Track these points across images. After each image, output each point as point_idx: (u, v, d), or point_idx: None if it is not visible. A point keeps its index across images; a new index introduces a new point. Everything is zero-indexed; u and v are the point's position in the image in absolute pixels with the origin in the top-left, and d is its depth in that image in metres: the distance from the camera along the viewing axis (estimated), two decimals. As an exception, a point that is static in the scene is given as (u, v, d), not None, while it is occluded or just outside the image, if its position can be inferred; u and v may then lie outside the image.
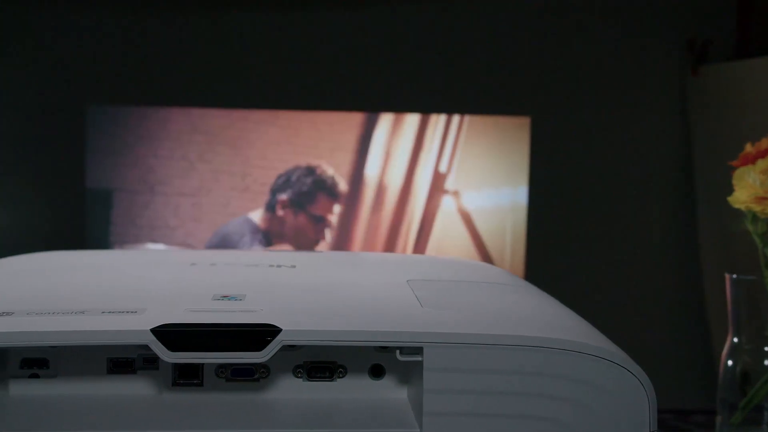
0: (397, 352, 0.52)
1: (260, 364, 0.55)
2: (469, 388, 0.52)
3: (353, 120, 2.47)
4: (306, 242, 2.47)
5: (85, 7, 2.47)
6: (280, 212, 2.45)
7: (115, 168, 2.43)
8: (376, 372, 0.57)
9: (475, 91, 2.51)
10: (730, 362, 0.92)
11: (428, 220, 2.47)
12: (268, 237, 2.46)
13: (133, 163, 2.43)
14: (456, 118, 2.47)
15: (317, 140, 2.46)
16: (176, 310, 0.53)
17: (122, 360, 0.56)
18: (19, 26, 2.47)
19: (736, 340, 0.92)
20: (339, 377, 0.56)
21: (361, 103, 2.49)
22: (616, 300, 2.51)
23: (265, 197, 2.46)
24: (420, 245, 2.46)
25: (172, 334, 0.50)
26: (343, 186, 2.46)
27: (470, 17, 2.52)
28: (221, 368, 0.56)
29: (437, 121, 2.47)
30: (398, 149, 2.47)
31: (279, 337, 0.51)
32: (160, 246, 2.43)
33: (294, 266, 0.71)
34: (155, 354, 0.53)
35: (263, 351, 0.50)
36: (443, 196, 2.47)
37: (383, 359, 0.57)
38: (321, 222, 2.47)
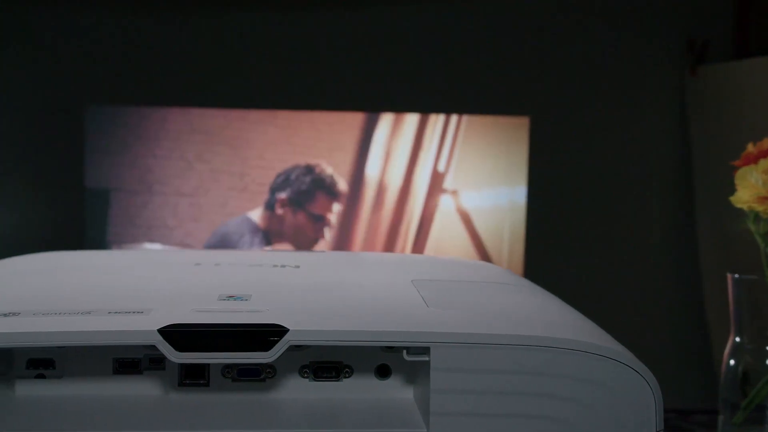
0: (404, 352, 0.53)
1: (266, 364, 0.56)
2: (476, 387, 0.52)
3: (352, 120, 2.47)
4: (305, 241, 2.46)
5: (84, 8, 2.47)
6: (279, 211, 2.45)
7: (113, 168, 2.43)
8: (383, 372, 0.57)
9: (474, 91, 2.51)
10: (732, 362, 0.92)
11: (427, 219, 2.47)
12: (268, 236, 2.46)
13: (132, 163, 2.43)
14: (455, 118, 2.47)
15: (316, 140, 2.46)
16: (183, 310, 0.53)
17: (128, 360, 0.56)
18: (17, 26, 2.47)
19: (738, 339, 0.92)
20: (345, 377, 0.57)
21: (359, 103, 2.48)
22: (615, 300, 2.51)
23: (263, 197, 2.46)
24: (419, 244, 2.46)
25: (179, 335, 0.50)
26: (342, 185, 2.46)
27: (469, 17, 2.52)
28: (227, 368, 0.56)
29: (436, 120, 2.47)
30: (398, 149, 2.47)
31: (286, 337, 0.51)
32: (157, 246, 2.43)
33: (298, 266, 0.71)
34: (161, 354, 0.53)
35: (270, 351, 0.51)
36: (442, 195, 2.47)
37: (389, 359, 0.57)
38: (320, 221, 2.47)
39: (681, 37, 2.49)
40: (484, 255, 2.45)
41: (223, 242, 2.45)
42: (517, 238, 2.47)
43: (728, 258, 2.32)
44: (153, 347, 0.51)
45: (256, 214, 2.46)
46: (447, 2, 2.51)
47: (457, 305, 0.59)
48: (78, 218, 2.44)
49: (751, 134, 1.12)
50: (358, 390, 0.56)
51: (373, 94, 2.50)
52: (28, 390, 0.55)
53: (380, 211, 2.46)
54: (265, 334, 0.51)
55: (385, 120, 2.46)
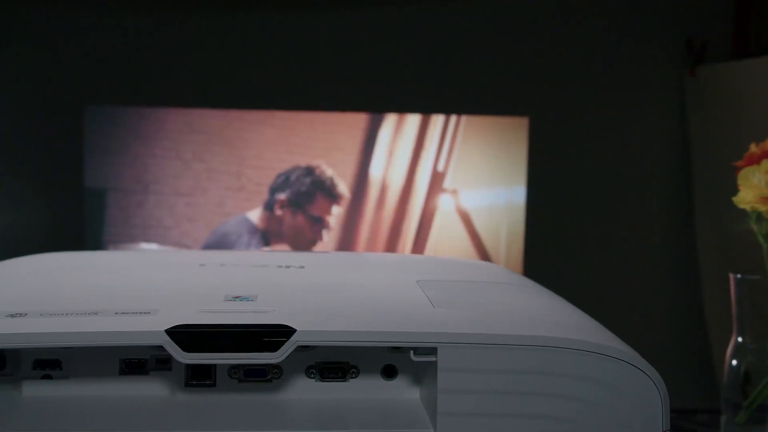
0: (411, 352, 0.53)
1: (273, 364, 0.56)
2: (483, 387, 0.52)
3: (349, 120, 2.47)
4: (303, 242, 2.46)
5: (83, 8, 2.46)
6: (278, 212, 2.45)
7: (110, 167, 2.43)
8: (389, 372, 0.57)
9: (474, 91, 2.52)
10: (734, 362, 0.92)
11: (427, 218, 2.47)
12: (266, 237, 2.45)
13: (129, 163, 2.43)
14: (454, 118, 2.47)
15: (313, 140, 2.46)
16: (189, 310, 0.53)
17: (135, 361, 0.56)
18: (17, 27, 2.46)
19: (740, 339, 0.92)
20: (351, 378, 0.57)
21: (357, 104, 2.48)
22: (613, 299, 2.51)
23: (260, 197, 2.46)
24: (419, 244, 2.46)
25: (186, 335, 0.50)
26: (342, 187, 2.46)
27: (468, 18, 2.52)
28: (234, 369, 0.56)
29: (436, 120, 2.47)
30: (398, 149, 2.47)
31: (294, 338, 0.51)
32: (154, 246, 2.43)
33: (302, 267, 0.71)
34: (168, 355, 0.53)
35: (278, 352, 0.51)
36: (442, 195, 2.47)
37: (396, 359, 0.57)
38: (319, 222, 2.47)
39: (680, 38, 2.50)
40: (483, 254, 2.45)
41: (221, 242, 2.45)
42: (516, 238, 2.47)
43: (727, 258, 2.33)
44: (159, 348, 0.51)
45: (255, 215, 2.46)
46: (446, 3, 2.51)
47: (462, 305, 0.59)
48: (77, 218, 2.44)
49: (751, 134, 1.12)
50: (365, 390, 0.56)
51: (371, 94, 2.50)
52: (35, 391, 0.55)
53: (382, 210, 2.45)
54: (273, 335, 0.51)
55: (383, 120, 2.46)
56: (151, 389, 0.56)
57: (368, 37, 2.51)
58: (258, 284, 0.63)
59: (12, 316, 0.52)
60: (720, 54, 2.48)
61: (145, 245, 2.42)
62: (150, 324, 0.51)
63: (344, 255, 0.99)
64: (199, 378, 0.56)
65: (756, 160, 0.86)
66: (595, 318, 0.62)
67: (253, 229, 2.45)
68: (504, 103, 2.51)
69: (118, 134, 2.43)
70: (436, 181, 2.46)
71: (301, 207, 2.46)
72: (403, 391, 0.57)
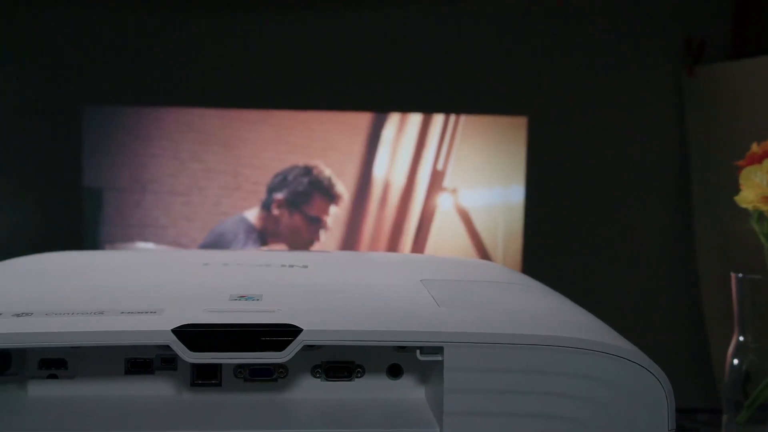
0: (418, 351, 0.53)
1: (279, 364, 0.56)
2: (489, 387, 0.52)
3: (347, 120, 2.47)
4: (301, 242, 2.46)
5: (81, 9, 2.46)
6: (275, 211, 2.45)
7: (107, 167, 2.43)
8: (394, 372, 0.57)
9: (473, 91, 2.52)
10: (736, 361, 0.92)
11: (427, 218, 2.47)
12: (263, 236, 2.45)
13: (126, 162, 2.42)
14: (453, 118, 2.47)
15: (311, 140, 2.46)
16: (195, 310, 0.53)
17: (140, 360, 0.56)
18: (16, 27, 2.46)
19: (741, 339, 0.92)
20: (357, 377, 0.57)
21: (355, 103, 2.48)
22: (612, 299, 2.52)
23: (257, 196, 2.45)
24: (419, 242, 2.46)
25: (193, 335, 0.50)
26: (340, 187, 2.46)
27: (467, 18, 2.52)
28: (239, 368, 0.56)
29: (436, 120, 2.47)
30: (400, 148, 2.47)
31: (300, 337, 0.51)
32: (150, 245, 2.42)
33: (306, 266, 0.71)
34: (173, 354, 0.53)
35: (284, 351, 0.51)
36: (441, 194, 2.47)
37: (401, 359, 0.57)
38: (316, 222, 2.46)
39: (678, 37, 2.50)
40: (483, 253, 2.46)
41: (218, 241, 2.45)
42: (514, 237, 2.48)
43: (726, 257, 2.33)
44: (165, 347, 0.51)
45: (253, 214, 2.46)
46: (445, 3, 2.51)
47: (468, 305, 0.59)
48: (75, 217, 2.44)
49: (749, 134, 1.13)
50: (370, 390, 0.56)
51: (369, 94, 2.50)
52: (41, 390, 0.55)
53: (384, 209, 2.45)
54: (280, 334, 0.51)
55: (384, 120, 2.46)
56: (156, 389, 0.56)
57: (366, 37, 2.51)
58: (262, 284, 0.63)
59: (18, 315, 0.52)
60: (718, 54, 2.48)
61: (141, 244, 2.42)
62: (156, 323, 0.51)
63: (347, 254, 0.99)
64: (205, 377, 0.56)
65: (758, 160, 0.87)
66: (593, 317, 0.62)
67: (250, 229, 2.45)
68: (503, 102, 2.51)
69: (115, 134, 2.43)
70: (436, 180, 2.47)
71: (298, 207, 2.46)
72: (408, 391, 0.57)
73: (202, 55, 2.49)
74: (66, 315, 0.52)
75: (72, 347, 0.54)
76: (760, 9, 2.45)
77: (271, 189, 2.45)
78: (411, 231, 2.47)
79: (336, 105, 2.47)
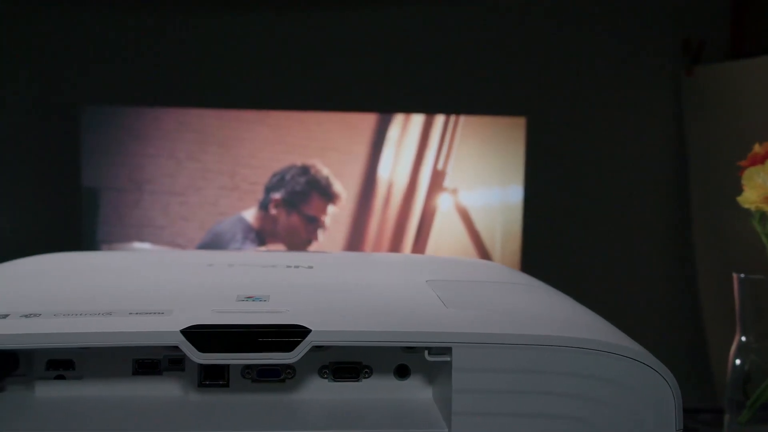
0: (426, 352, 0.53)
1: (286, 365, 0.56)
2: (497, 387, 0.52)
3: (344, 120, 2.46)
4: (298, 242, 2.46)
5: (79, 9, 2.46)
6: (273, 211, 2.45)
7: (104, 167, 2.42)
8: (402, 372, 0.57)
9: (472, 91, 2.52)
10: (738, 361, 0.92)
11: (428, 217, 2.47)
12: (261, 236, 2.45)
13: (123, 162, 2.42)
14: (452, 118, 2.47)
15: (308, 140, 2.46)
16: (203, 311, 0.53)
17: (148, 361, 0.56)
18: (13, 27, 2.46)
19: (743, 339, 0.92)
20: (365, 378, 0.57)
21: (353, 104, 2.49)
22: (610, 299, 2.51)
23: (254, 196, 2.45)
24: (420, 242, 2.46)
25: (202, 335, 0.50)
26: (337, 187, 2.45)
27: (466, 18, 2.52)
28: (247, 369, 0.56)
29: (437, 121, 2.47)
30: (401, 149, 2.47)
31: (309, 338, 0.51)
32: (146, 245, 2.42)
33: (311, 267, 0.71)
34: (181, 355, 0.53)
35: (293, 352, 0.51)
36: (442, 194, 2.47)
37: (408, 359, 0.57)
38: (314, 222, 2.46)
39: (677, 38, 2.50)
40: (483, 253, 2.46)
41: (216, 241, 2.45)
42: (513, 237, 2.48)
43: (724, 257, 2.33)
44: (173, 348, 0.51)
45: (250, 214, 2.45)
46: (443, 3, 2.51)
47: (474, 305, 0.59)
48: (73, 217, 2.44)
49: (748, 134, 1.13)
50: (378, 390, 0.56)
51: (367, 94, 2.50)
52: (48, 391, 0.55)
53: (387, 209, 2.45)
54: (288, 335, 0.51)
55: (381, 119, 2.46)
56: (164, 389, 0.56)
57: (364, 38, 2.51)
58: (268, 284, 0.63)
59: (26, 316, 0.52)
60: (717, 54, 2.48)
61: (138, 245, 2.42)
62: (165, 324, 0.51)
63: (350, 255, 0.99)
64: (213, 378, 0.56)
65: (760, 160, 0.87)
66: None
67: (248, 229, 2.45)
68: (501, 103, 2.51)
69: (112, 134, 2.42)
70: (437, 180, 2.47)
71: (296, 206, 2.46)
72: (416, 391, 0.57)
73: (201, 56, 2.49)
74: (74, 316, 0.52)
75: (79, 348, 0.54)
76: (759, 9, 2.45)
77: (269, 189, 2.45)
78: (412, 231, 2.47)
79: (333, 105, 2.47)
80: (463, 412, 0.52)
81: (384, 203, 2.46)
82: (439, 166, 2.47)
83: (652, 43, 2.53)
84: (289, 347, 0.51)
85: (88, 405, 0.54)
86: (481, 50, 2.52)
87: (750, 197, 0.86)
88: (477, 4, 2.52)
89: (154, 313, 0.53)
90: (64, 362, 0.55)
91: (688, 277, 2.52)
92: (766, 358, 0.92)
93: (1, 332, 0.50)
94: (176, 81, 2.48)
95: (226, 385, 0.56)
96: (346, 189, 2.45)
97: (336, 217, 2.46)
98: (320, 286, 0.64)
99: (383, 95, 2.50)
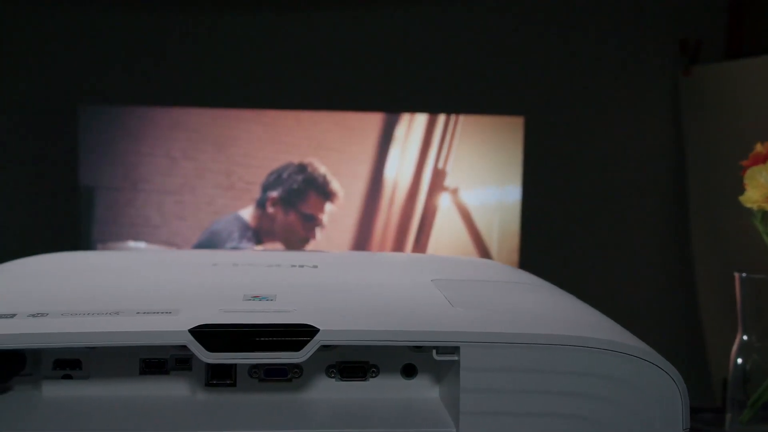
0: (434, 351, 0.53)
1: (293, 364, 0.55)
2: (505, 387, 0.52)
3: (340, 119, 2.46)
4: (296, 240, 2.46)
5: (76, 9, 2.45)
6: (270, 210, 2.45)
7: (102, 166, 2.42)
8: (409, 371, 0.57)
9: (470, 91, 2.52)
10: (739, 360, 0.92)
11: (429, 216, 2.47)
12: (258, 235, 2.45)
13: (118, 161, 2.42)
14: (451, 118, 2.47)
15: (302, 138, 2.46)
16: (210, 310, 0.53)
17: (155, 361, 0.56)
18: (11, 27, 2.45)
19: (745, 338, 0.92)
20: (372, 377, 0.57)
21: (350, 103, 2.48)
22: (609, 299, 2.52)
23: (250, 195, 2.45)
24: (421, 241, 2.46)
25: (210, 335, 0.50)
26: (335, 185, 2.45)
27: (465, 18, 2.52)
28: (254, 368, 0.56)
29: (438, 120, 2.47)
30: (404, 149, 2.46)
31: (317, 337, 0.51)
32: (141, 244, 2.42)
33: (316, 266, 0.71)
34: (188, 354, 0.53)
35: (302, 351, 0.50)
36: (442, 193, 2.47)
37: (415, 359, 0.57)
38: (311, 220, 2.46)
39: (674, 38, 2.51)
40: (483, 252, 2.46)
41: (213, 240, 2.45)
42: (511, 236, 2.48)
43: (723, 257, 2.34)
44: (180, 347, 0.51)
45: (247, 213, 2.45)
46: (443, 3, 2.51)
47: (481, 305, 0.59)
48: (70, 217, 2.43)
49: (745, 133, 1.13)
50: (385, 390, 0.56)
51: (365, 93, 2.50)
52: (55, 391, 0.55)
53: (391, 208, 2.45)
54: (297, 334, 0.51)
55: (378, 119, 2.46)
56: (171, 389, 0.56)
57: (361, 37, 2.51)
58: (275, 284, 0.63)
59: (33, 316, 0.52)
60: (714, 54, 2.49)
61: (132, 244, 2.41)
62: (173, 324, 0.51)
63: (354, 254, 0.99)
64: (220, 378, 0.56)
65: (762, 160, 0.87)
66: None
67: (245, 227, 2.45)
68: (500, 102, 2.51)
69: (107, 132, 2.42)
70: (438, 179, 2.47)
71: (293, 205, 2.46)
72: (423, 391, 0.57)
73: (197, 55, 2.49)
74: (81, 315, 0.52)
75: (86, 348, 0.54)
76: (756, 9, 2.46)
77: (266, 187, 2.45)
78: (414, 229, 2.47)
79: (331, 105, 2.47)
80: (471, 411, 0.52)
81: (389, 202, 2.46)
82: (440, 166, 2.47)
83: (649, 43, 2.53)
84: (298, 347, 0.50)
85: (94, 405, 0.54)
86: (478, 50, 2.52)
87: (752, 196, 0.86)
88: (476, 4, 2.52)
89: (162, 313, 0.53)
90: (71, 362, 0.55)
91: (686, 276, 2.53)
92: (767, 358, 0.92)
93: (8, 332, 0.49)
94: (172, 80, 2.48)
95: (233, 385, 0.56)
96: (351, 188, 2.45)
97: (342, 216, 2.46)
98: (326, 285, 0.64)
99: (382, 95, 2.50)
